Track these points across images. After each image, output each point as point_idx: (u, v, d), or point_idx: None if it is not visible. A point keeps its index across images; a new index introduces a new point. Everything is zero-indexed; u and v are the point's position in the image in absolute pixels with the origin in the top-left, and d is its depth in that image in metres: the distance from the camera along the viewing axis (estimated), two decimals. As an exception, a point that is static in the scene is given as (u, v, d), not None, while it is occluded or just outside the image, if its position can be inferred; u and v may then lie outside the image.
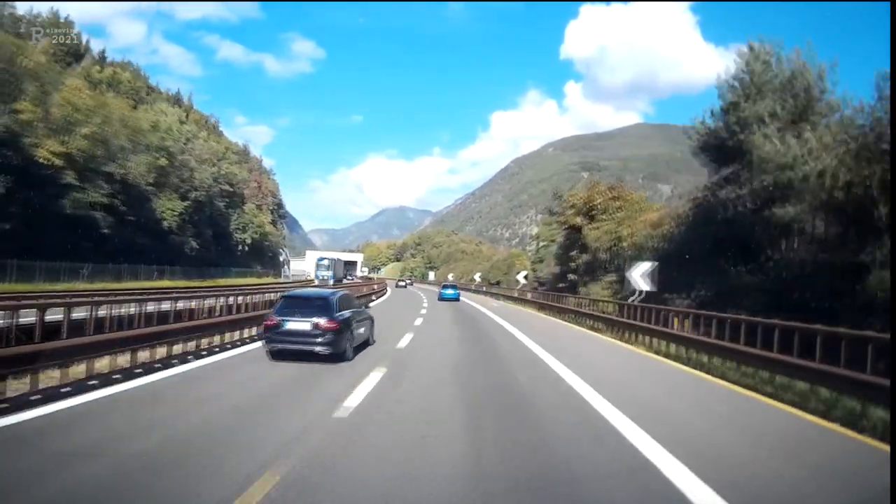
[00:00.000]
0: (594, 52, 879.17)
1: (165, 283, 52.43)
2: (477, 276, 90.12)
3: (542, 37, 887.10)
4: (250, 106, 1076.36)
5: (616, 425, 7.98)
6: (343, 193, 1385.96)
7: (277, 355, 12.81)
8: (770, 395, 10.80)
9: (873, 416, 8.73)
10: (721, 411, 9.72)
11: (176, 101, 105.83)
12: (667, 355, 16.28)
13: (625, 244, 31.85)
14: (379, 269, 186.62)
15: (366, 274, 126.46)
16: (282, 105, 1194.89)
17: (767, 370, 11.95)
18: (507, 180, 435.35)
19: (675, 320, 17.49)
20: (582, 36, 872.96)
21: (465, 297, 58.19)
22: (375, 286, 58.07)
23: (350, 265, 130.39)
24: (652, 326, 18.51)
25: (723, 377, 12.86)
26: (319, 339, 12.60)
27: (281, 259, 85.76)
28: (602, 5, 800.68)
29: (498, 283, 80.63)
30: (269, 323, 13.13)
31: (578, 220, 39.91)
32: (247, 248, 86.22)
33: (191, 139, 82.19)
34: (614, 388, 10.98)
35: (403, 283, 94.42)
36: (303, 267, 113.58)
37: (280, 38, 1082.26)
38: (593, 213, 38.65)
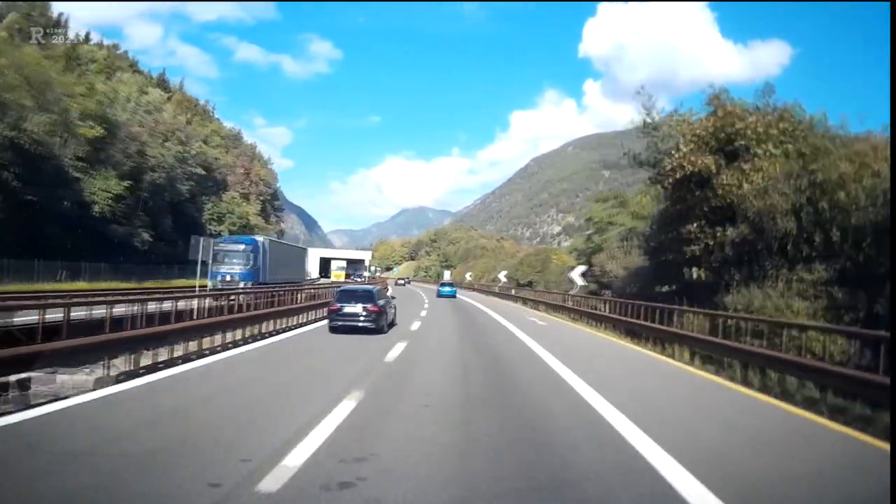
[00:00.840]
0: (612, 50, 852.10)
1: (73, 285, 36.18)
2: (502, 276, 73.95)
3: (560, 35, 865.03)
4: (269, 107, 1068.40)
5: None
6: (362, 194, 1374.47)
7: (337, 330, 17.96)
8: None
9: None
10: None
11: (160, 82, 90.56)
12: None
13: (845, 195, 14.45)
14: (392, 268, 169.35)
15: (371, 273, 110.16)
16: (300, 106, 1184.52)
17: None
18: (526, 179, 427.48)
19: None
20: (600, 34, 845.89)
21: (484, 305, 42.02)
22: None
23: (356, 263, 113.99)
24: None
25: None
26: (366, 318, 17.85)
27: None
28: (620, 3, 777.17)
29: (530, 283, 62.85)
30: (332, 308, 18.57)
31: (706, 162, 19.14)
32: (224, 243, 69.56)
33: (154, 112, 65.82)
34: None
35: (402, 282, 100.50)
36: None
37: (297, 39, 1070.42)
38: (735, 147, 19.10)
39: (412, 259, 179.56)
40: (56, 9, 67.76)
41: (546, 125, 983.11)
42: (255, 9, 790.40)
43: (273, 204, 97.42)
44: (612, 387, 10.33)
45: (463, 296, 56.74)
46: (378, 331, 17.76)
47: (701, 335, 15.29)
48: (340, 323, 17.74)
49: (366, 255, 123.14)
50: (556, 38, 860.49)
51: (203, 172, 68.04)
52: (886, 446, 6.95)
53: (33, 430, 6.62)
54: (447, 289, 54.66)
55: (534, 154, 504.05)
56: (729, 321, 14.85)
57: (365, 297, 18.46)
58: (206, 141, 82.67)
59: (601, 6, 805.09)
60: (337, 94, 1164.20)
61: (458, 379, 11.26)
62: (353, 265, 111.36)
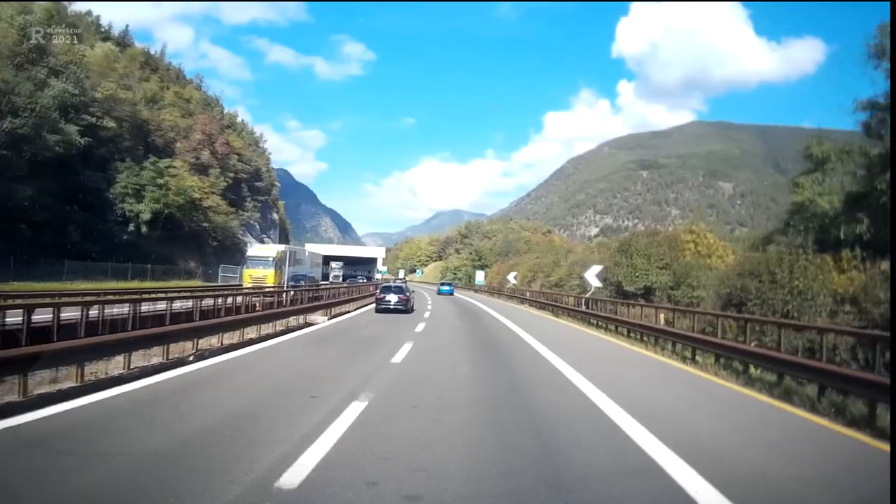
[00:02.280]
0: (646, 49, 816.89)
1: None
2: (592, 278, 33.67)
3: (593, 35, 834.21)
4: (302, 110, 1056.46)
5: None
6: (397, 197, 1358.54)
7: (380, 311, 27.07)
8: None
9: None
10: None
11: (123, 42, 68.92)
12: None
13: None
14: (416, 269, 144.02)
15: (380, 277, 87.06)
16: (333, 108, 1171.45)
17: None
18: (562, 181, 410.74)
19: None
20: (633, 33, 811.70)
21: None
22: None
23: (363, 264, 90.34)
24: None
25: None
26: (397, 303, 27.50)
27: (247, 254, 47.11)
28: (653, 2, 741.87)
29: (648, 292, 32.60)
30: (378, 297, 28.65)
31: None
32: (145, 227, 46.88)
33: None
34: None
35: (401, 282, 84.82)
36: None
37: (330, 40, 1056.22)
38: None
39: (440, 259, 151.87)
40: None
41: (580, 126, 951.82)
42: (286, 10, 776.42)
43: (255, 187, 74.53)
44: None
45: (511, 321, 27.98)
46: (406, 311, 27.62)
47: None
48: (383, 306, 27.46)
49: (377, 253, 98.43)
50: (589, 38, 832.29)
51: (114, 126, 44.74)
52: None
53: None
54: (446, 287, 62.91)
55: (568, 156, 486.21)
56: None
57: (397, 290, 29.54)
58: (153, 99, 60.12)
59: (634, 5, 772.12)
60: (370, 96, 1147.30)
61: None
62: (359, 266, 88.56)
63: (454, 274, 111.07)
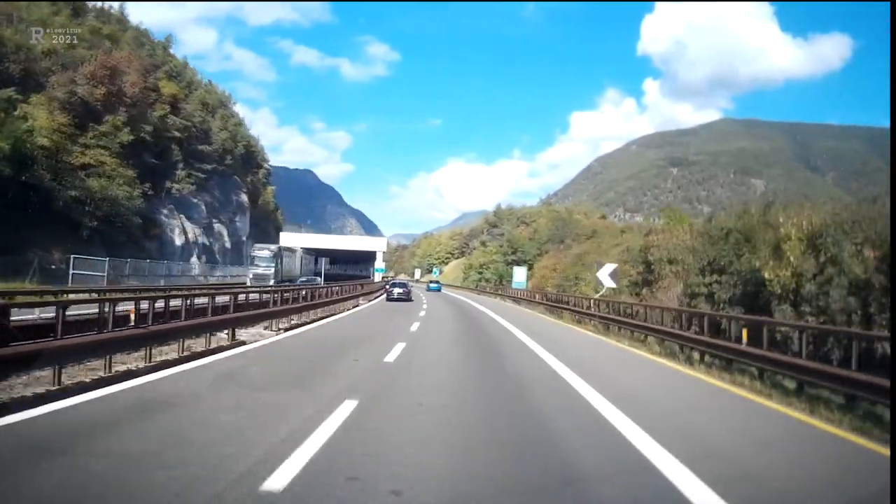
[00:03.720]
0: (671, 47, 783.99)
1: None
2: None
3: (618, 34, 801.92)
4: (328, 111, 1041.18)
5: None
6: (423, 198, 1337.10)
7: (389, 300, 36.82)
8: None
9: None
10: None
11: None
12: None
13: None
14: (433, 268, 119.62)
15: (380, 277, 65.52)
16: (359, 110, 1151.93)
17: None
18: (590, 180, 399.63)
19: None
20: (658, 31, 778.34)
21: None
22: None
23: (360, 261, 69.12)
24: None
25: None
26: (400, 294, 38.46)
27: (177, 243, 26.85)
28: (677, 1, 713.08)
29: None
30: (387, 289, 41.81)
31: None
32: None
33: None
34: None
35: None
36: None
37: (354, 41, 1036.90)
38: None
39: (462, 255, 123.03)
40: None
41: (606, 126, 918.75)
42: (309, 11, 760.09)
43: (198, 152, 52.86)
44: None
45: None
46: (409, 300, 37.64)
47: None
48: (391, 297, 38.54)
49: (377, 245, 75.33)
50: (614, 36, 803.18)
51: None
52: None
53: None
54: (434, 285, 68.56)
55: (594, 156, 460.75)
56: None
57: (401, 286, 41.63)
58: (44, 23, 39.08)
59: (659, 4, 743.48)
60: (396, 97, 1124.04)
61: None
62: (352, 264, 68.12)
63: (479, 273, 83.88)
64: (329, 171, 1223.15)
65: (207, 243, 52.66)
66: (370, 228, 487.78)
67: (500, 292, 56.32)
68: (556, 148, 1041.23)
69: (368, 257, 70.41)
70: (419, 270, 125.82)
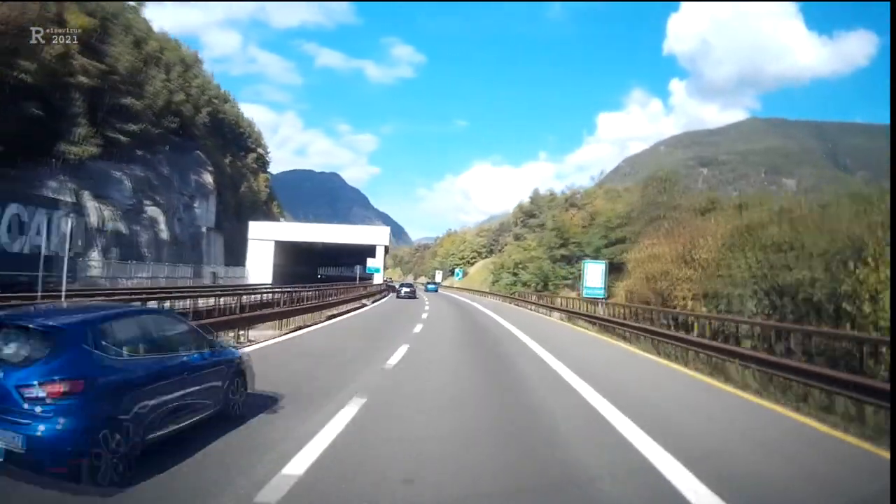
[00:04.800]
0: (697, 46, 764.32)
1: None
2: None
3: (644, 33, 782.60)
4: (353, 114, 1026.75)
5: None
6: (450, 201, 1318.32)
7: (399, 297, 45.78)
8: None
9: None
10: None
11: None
12: None
13: None
14: (456, 270, 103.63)
15: (377, 279, 51.25)
16: (385, 112, 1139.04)
17: None
18: (619, 181, 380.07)
19: None
20: (684, 30, 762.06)
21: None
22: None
23: (354, 255, 54.89)
24: None
25: None
26: (408, 293, 47.83)
27: (79, 242, 13.86)
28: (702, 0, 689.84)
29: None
30: (398, 289, 51.13)
31: None
32: None
33: None
34: None
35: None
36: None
37: (379, 43, 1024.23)
38: None
39: (490, 254, 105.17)
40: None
41: (633, 127, 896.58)
42: (334, 14, 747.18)
43: (122, 109, 37.50)
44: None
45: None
46: (414, 298, 45.98)
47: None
48: (400, 295, 46.71)
49: (378, 238, 59.63)
50: (640, 36, 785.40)
51: None
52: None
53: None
54: (431, 286, 73.15)
55: (622, 156, 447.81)
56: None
57: (409, 286, 51.99)
58: None
59: (684, 3, 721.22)
60: (422, 99, 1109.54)
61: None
62: (347, 265, 53.60)
63: (514, 275, 64.63)
64: (356, 175, 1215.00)
65: (126, 232, 37.96)
66: (397, 232, 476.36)
67: (543, 301, 39.98)
68: (583, 150, 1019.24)
69: (370, 252, 55.21)
70: (440, 273, 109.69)
